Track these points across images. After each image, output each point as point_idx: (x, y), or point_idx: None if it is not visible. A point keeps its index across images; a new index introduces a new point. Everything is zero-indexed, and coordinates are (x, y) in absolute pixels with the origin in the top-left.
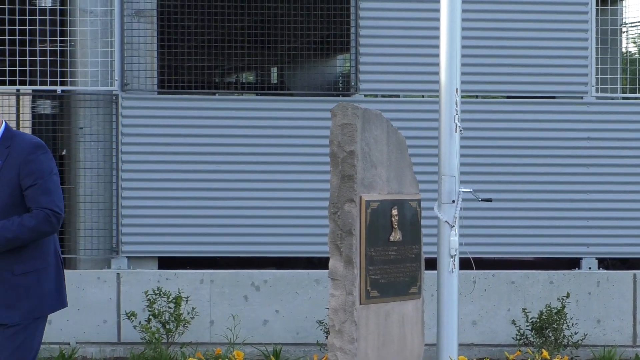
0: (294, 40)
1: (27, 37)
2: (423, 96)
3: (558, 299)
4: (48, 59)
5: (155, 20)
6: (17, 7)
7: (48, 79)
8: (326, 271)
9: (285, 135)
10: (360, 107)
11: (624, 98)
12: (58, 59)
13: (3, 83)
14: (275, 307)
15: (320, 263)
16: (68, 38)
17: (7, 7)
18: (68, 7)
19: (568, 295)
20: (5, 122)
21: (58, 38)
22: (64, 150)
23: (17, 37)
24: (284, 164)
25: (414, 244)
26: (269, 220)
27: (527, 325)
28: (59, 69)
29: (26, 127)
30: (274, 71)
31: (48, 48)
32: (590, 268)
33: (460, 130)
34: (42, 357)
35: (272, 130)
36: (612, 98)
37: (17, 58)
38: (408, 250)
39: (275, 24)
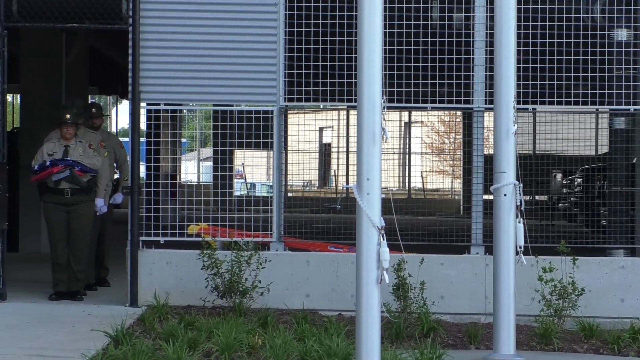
0: None
1: (606, 65)
2: None
3: None
4: (623, 83)
5: None
6: (597, 40)
7: (622, 99)
8: None
9: None
10: None
11: None
12: (631, 83)
13: (585, 103)
14: None
15: None
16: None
17: (589, 40)
18: None
19: None
20: None
21: (631, 66)
22: (635, 159)
23: (597, 66)
24: None
25: None
26: None
27: None
28: (631, 91)
29: (604, 140)
30: None
31: (623, 74)
32: None
33: None
34: (616, 329)
35: None
36: None
37: (597, 83)
38: None
39: None
